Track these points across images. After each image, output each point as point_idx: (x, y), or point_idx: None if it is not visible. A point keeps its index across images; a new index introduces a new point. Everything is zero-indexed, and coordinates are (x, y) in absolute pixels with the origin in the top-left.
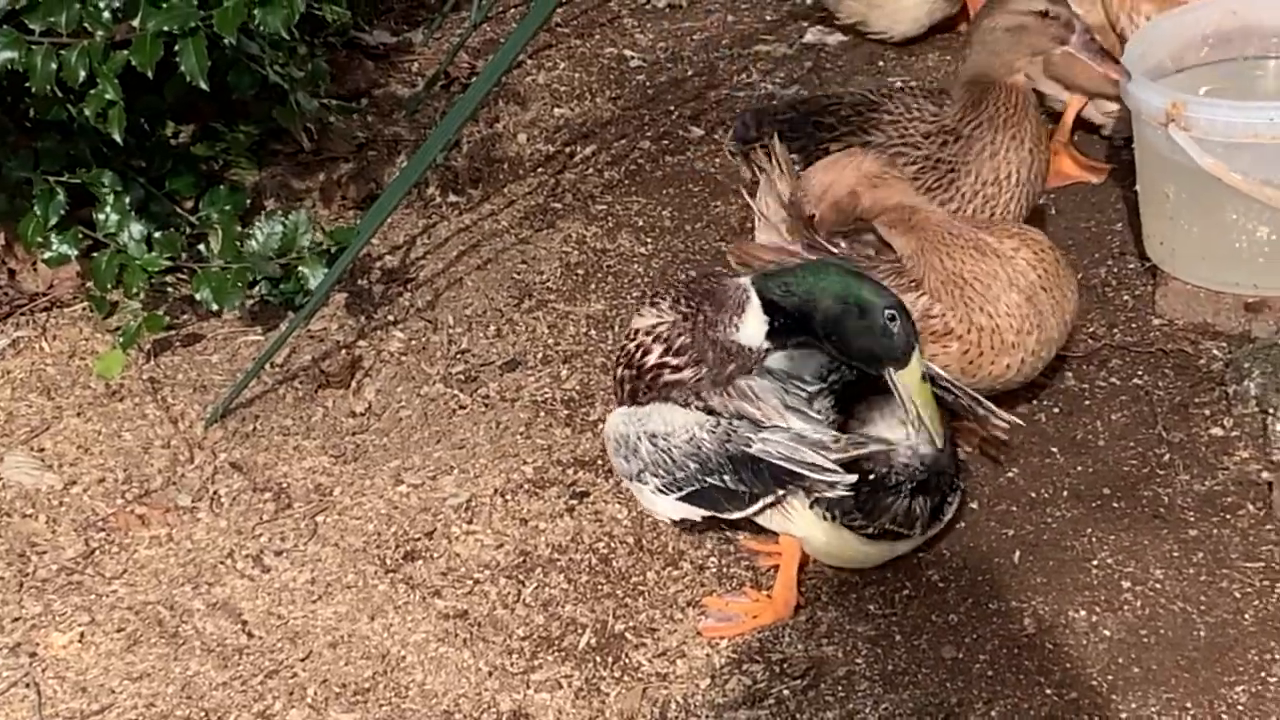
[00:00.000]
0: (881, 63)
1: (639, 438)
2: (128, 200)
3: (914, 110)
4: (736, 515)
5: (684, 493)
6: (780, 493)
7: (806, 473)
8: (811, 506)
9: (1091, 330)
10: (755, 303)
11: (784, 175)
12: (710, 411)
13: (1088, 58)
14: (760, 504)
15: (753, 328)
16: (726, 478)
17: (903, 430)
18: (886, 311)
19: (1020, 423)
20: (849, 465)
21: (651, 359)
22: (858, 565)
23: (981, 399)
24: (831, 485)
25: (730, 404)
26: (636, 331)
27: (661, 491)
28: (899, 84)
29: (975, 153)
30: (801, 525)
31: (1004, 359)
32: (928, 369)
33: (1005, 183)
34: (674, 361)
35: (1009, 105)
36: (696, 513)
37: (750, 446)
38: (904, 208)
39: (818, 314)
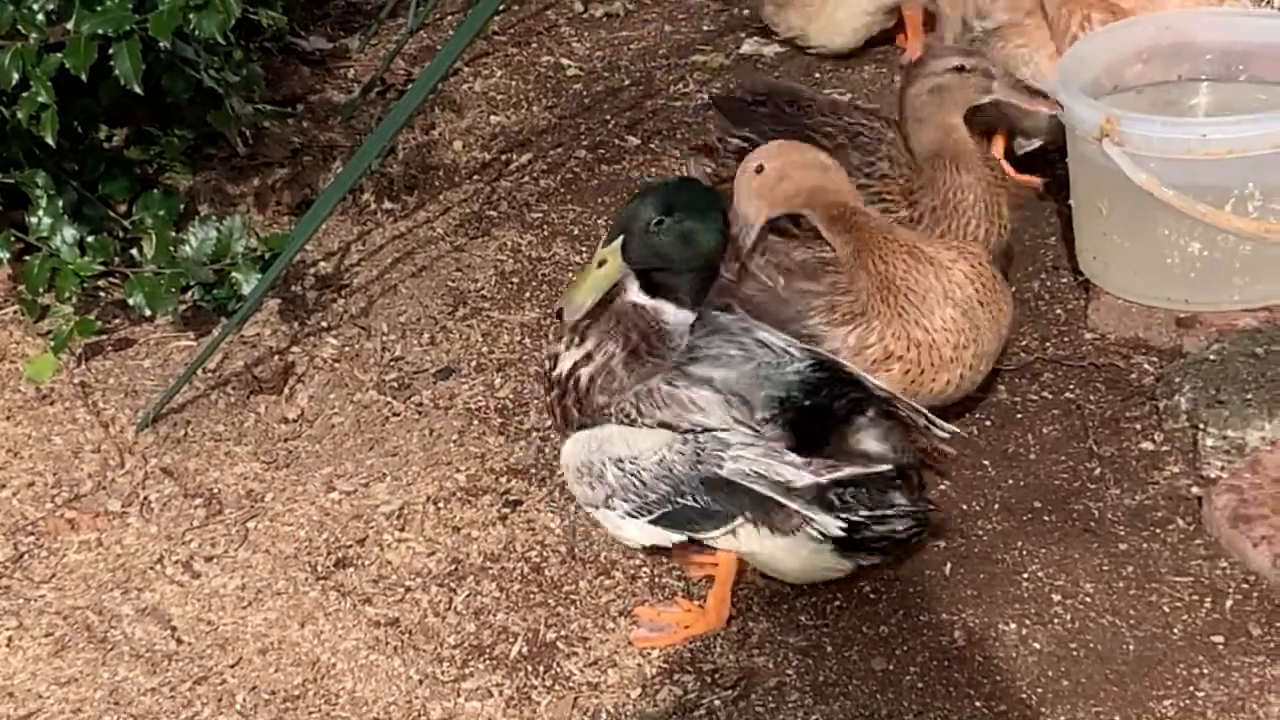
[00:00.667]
0: (818, 74)
1: (604, 464)
2: (60, 204)
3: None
4: (714, 534)
5: (655, 515)
6: (752, 515)
7: (777, 496)
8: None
9: (1024, 344)
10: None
11: None
12: (665, 426)
13: (1017, 100)
14: (737, 523)
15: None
16: (701, 498)
17: (880, 446)
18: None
19: (958, 431)
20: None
21: (584, 378)
22: (815, 580)
23: (923, 410)
24: (807, 512)
25: (685, 417)
26: (568, 365)
27: (631, 516)
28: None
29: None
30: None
31: (944, 375)
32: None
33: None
34: (607, 374)
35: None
36: (669, 537)
37: (722, 468)
38: (846, 206)
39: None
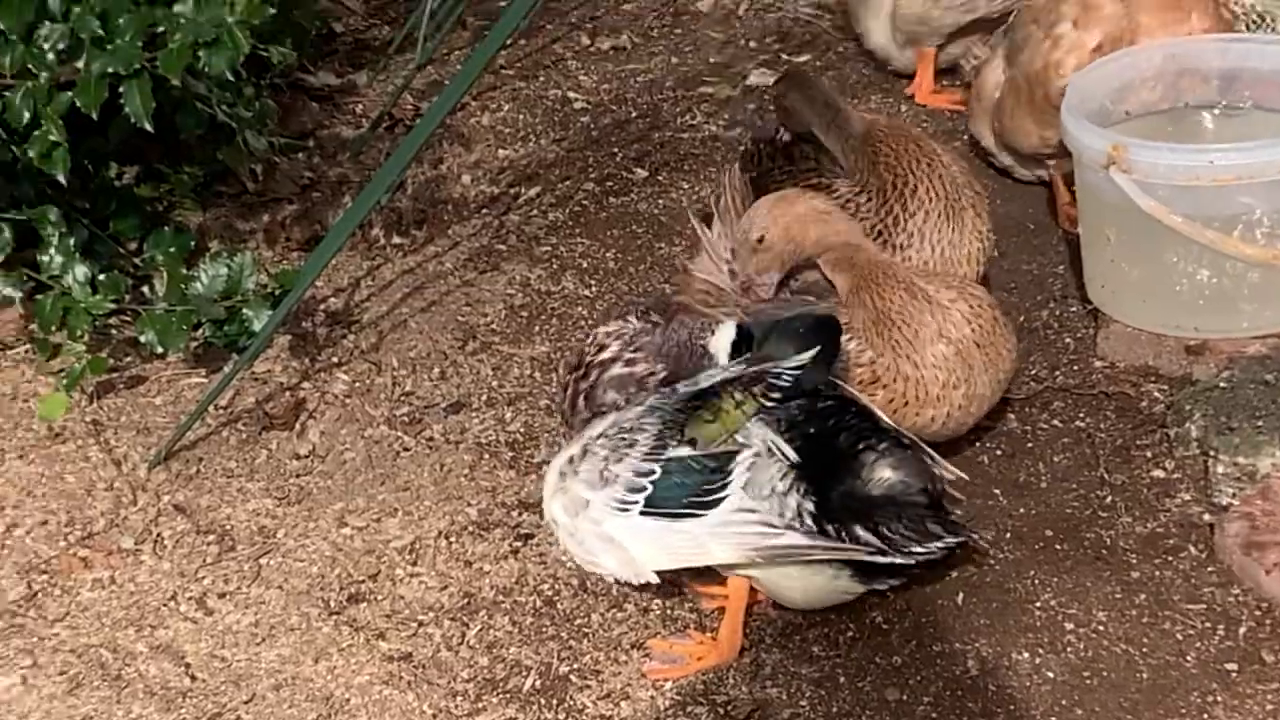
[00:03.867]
0: None
1: (589, 441)
2: (72, 242)
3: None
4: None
5: (648, 483)
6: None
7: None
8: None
9: (1034, 373)
10: (732, 325)
11: (733, 209)
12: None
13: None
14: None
15: (723, 339)
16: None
17: (895, 473)
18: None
19: (962, 475)
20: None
21: (606, 354)
22: (819, 605)
23: (920, 443)
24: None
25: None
26: (596, 334)
27: (621, 506)
28: None
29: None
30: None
31: (929, 411)
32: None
33: None
34: (629, 355)
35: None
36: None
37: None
38: (849, 245)
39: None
